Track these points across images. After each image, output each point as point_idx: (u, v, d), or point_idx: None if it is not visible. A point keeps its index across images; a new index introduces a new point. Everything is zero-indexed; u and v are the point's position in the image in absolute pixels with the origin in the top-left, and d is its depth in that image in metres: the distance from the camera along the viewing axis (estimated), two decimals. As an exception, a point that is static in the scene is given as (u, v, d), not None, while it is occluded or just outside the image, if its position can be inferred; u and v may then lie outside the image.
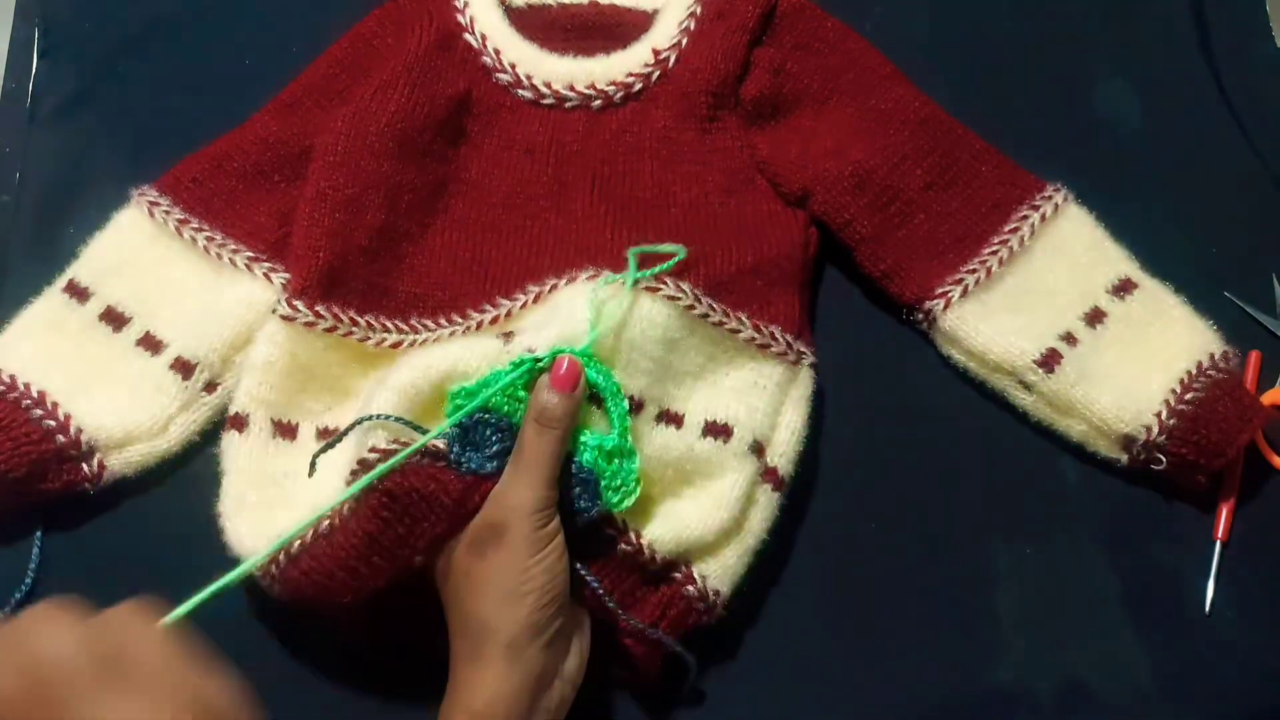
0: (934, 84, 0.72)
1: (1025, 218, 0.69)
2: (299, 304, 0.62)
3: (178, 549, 0.63)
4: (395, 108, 0.67)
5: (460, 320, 0.65)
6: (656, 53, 0.71)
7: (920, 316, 0.68)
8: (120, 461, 0.63)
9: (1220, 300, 0.70)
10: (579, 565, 0.56)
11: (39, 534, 0.63)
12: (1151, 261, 0.68)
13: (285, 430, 0.63)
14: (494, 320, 0.64)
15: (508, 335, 0.61)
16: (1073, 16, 0.79)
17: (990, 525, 0.65)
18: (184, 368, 0.64)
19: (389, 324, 0.65)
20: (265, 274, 0.66)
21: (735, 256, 0.65)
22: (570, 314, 0.59)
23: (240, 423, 0.62)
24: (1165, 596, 0.64)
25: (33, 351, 0.64)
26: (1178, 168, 0.74)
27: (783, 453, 0.63)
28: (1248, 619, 0.63)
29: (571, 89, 0.71)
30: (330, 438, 0.62)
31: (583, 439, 0.57)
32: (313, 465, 0.57)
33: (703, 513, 0.59)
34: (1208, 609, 0.63)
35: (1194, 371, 0.64)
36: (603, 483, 0.57)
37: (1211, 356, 0.65)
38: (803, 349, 0.64)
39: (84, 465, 0.62)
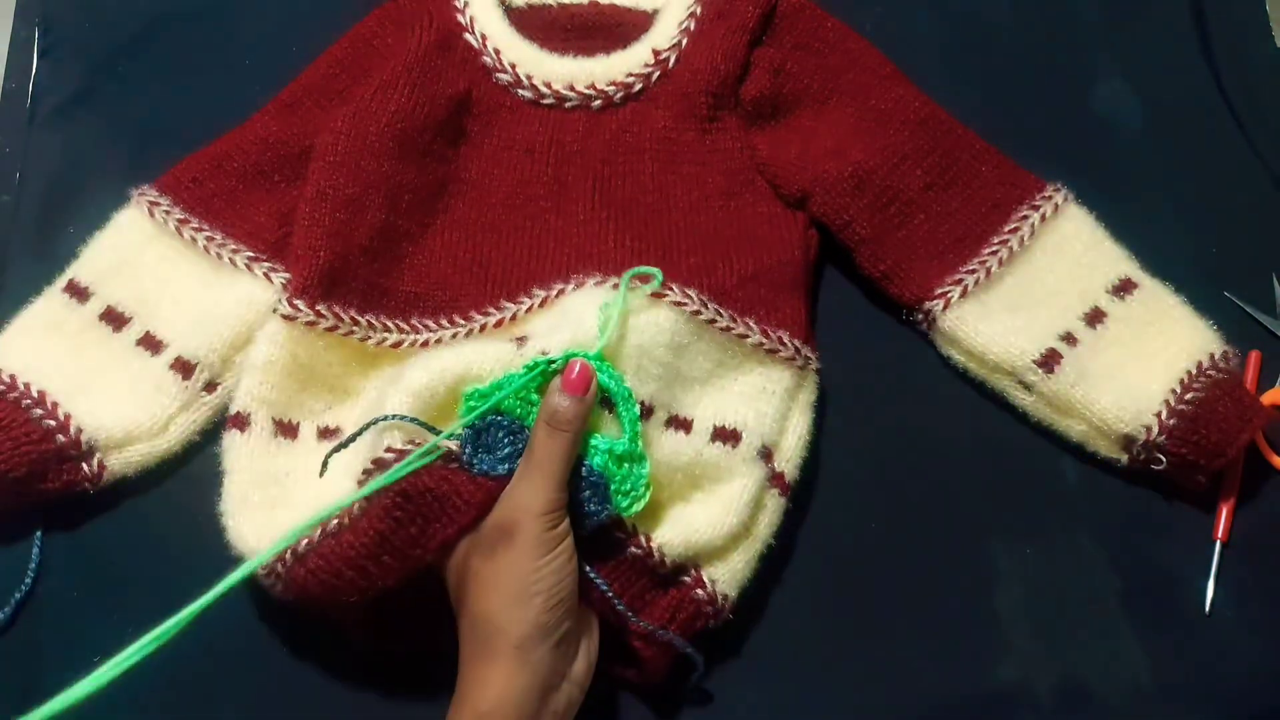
0: (934, 84, 0.72)
1: (1025, 218, 0.69)
2: (299, 303, 0.62)
3: (178, 549, 0.63)
4: (395, 108, 0.67)
5: (461, 321, 0.65)
6: (656, 53, 0.71)
7: (920, 317, 0.68)
8: (120, 461, 0.63)
9: (1220, 300, 0.70)
10: (588, 568, 0.56)
11: (39, 534, 0.63)
12: (1151, 261, 0.68)
13: (286, 429, 0.63)
14: (499, 323, 0.64)
15: (521, 339, 0.61)
16: (1073, 16, 0.79)
17: (990, 525, 0.65)
18: (184, 368, 0.64)
19: (389, 324, 0.65)
20: (265, 274, 0.66)
21: (737, 264, 0.65)
22: (581, 319, 0.59)
23: (241, 422, 0.62)
24: (1165, 596, 0.64)
25: (33, 351, 0.64)
26: (1178, 168, 0.74)
27: (789, 458, 0.63)
28: (1248, 619, 0.63)
29: (571, 89, 0.71)
30: (331, 437, 0.63)
31: (593, 443, 0.57)
32: (324, 465, 0.57)
33: (712, 517, 0.59)
34: (1208, 609, 0.63)
35: (1194, 371, 0.64)
36: (612, 487, 0.57)
37: (1211, 356, 0.65)
38: (809, 354, 0.65)
39: (84, 465, 0.62)
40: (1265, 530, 0.65)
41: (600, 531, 0.57)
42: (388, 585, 0.56)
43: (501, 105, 0.71)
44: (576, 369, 0.56)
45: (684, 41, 0.71)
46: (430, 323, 0.66)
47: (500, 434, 0.57)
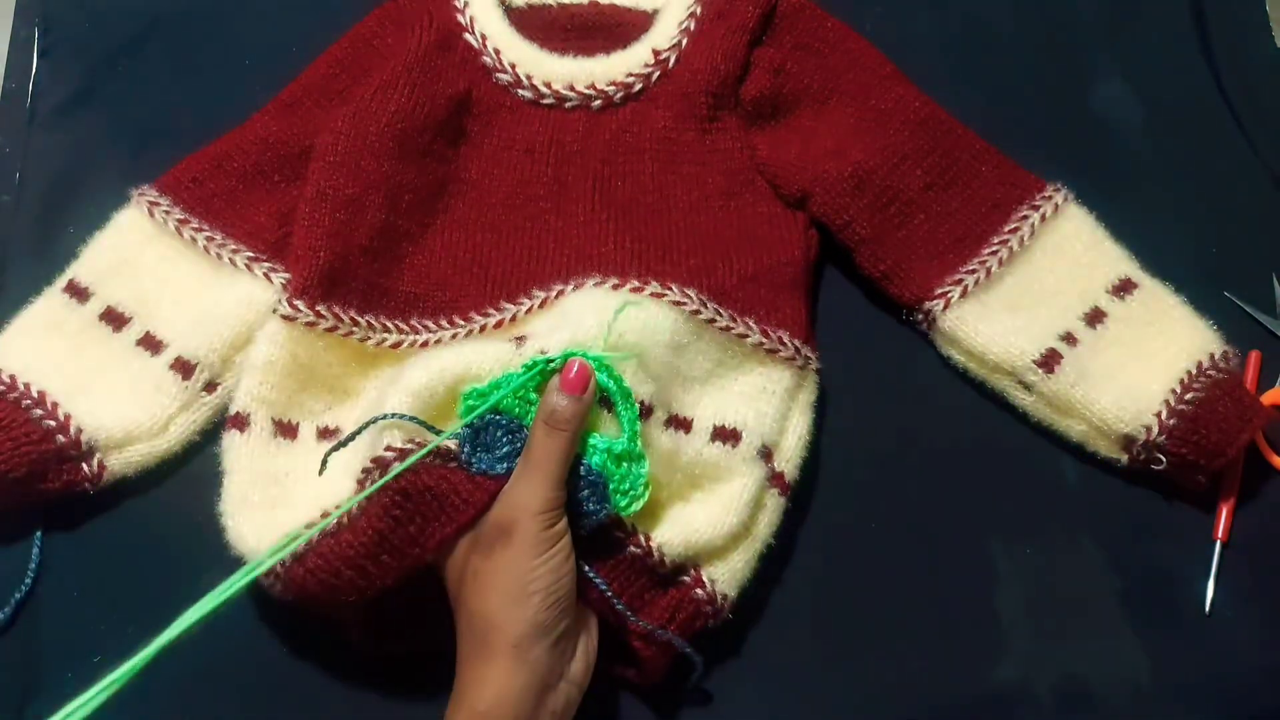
0: (934, 84, 0.72)
1: (1025, 218, 0.69)
2: (299, 304, 0.62)
3: (178, 549, 0.63)
4: (395, 108, 0.67)
5: (461, 322, 0.65)
6: (656, 53, 0.71)
7: (920, 317, 0.68)
8: (120, 461, 0.63)
9: (1220, 300, 0.70)
10: (587, 567, 0.56)
11: (39, 534, 0.63)
12: (1151, 261, 0.68)
13: (286, 430, 0.63)
14: (499, 324, 0.65)
15: (520, 339, 0.61)
16: (1072, 16, 0.79)
17: (990, 525, 0.65)
18: (184, 368, 0.64)
19: (389, 324, 0.65)
20: (265, 274, 0.66)
21: (737, 264, 0.65)
22: (580, 319, 0.59)
23: (241, 422, 0.62)
24: (1165, 596, 0.64)
25: (33, 351, 0.64)
26: (1178, 168, 0.74)
27: (789, 458, 0.63)
28: (1248, 619, 0.63)
29: (571, 89, 0.71)
30: (331, 437, 0.63)
31: (592, 442, 0.57)
32: (324, 463, 0.57)
33: (712, 517, 0.59)
34: (1208, 609, 0.63)
35: (1194, 371, 0.64)
36: (611, 486, 0.57)
37: (1211, 356, 0.65)
38: (809, 354, 0.65)
39: (84, 465, 0.62)
40: (1265, 530, 0.65)
41: (600, 531, 0.57)
42: (387, 585, 0.56)
43: (501, 105, 0.71)
44: (575, 368, 0.56)
45: (684, 41, 0.71)
46: (430, 323, 0.66)
47: (499, 433, 0.57)
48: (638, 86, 0.71)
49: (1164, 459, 0.63)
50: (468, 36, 0.72)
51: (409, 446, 0.56)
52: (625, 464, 0.57)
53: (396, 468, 0.55)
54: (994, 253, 0.68)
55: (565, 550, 0.54)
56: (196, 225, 0.67)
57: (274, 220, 0.67)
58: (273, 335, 0.62)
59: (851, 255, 0.69)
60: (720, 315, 0.63)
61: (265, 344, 0.62)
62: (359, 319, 0.64)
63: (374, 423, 0.57)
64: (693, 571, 0.59)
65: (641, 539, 0.58)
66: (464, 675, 0.53)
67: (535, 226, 0.68)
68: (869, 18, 0.76)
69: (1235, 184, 0.74)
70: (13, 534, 0.63)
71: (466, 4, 0.72)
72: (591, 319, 0.59)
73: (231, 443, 0.62)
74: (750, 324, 0.63)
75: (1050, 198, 0.69)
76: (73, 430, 0.61)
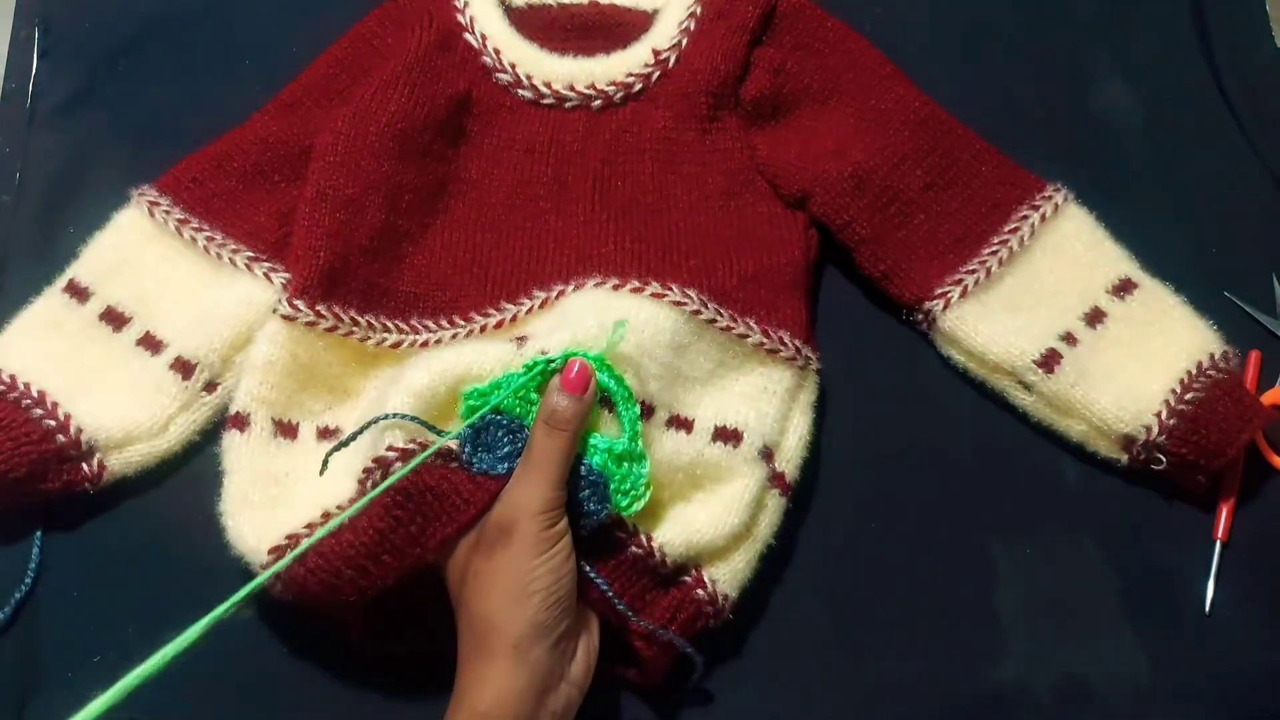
0: (934, 84, 0.72)
1: (1025, 218, 0.69)
2: (299, 304, 0.62)
3: (178, 549, 0.63)
4: (395, 108, 0.67)
5: (462, 322, 0.65)
6: (656, 53, 0.71)
7: (920, 317, 0.68)
8: (120, 461, 0.63)
9: (1220, 300, 0.70)
10: (588, 568, 0.56)
11: (39, 534, 0.63)
12: (1151, 261, 0.68)
13: (286, 429, 0.63)
14: (499, 324, 0.65)
15: (521, 339, 0.61)
16: (1072, 16, 0.79)
17: (990, 525, 0.65)
18: (184, 367, 0.64)
19: (389, 324, 0.65)
20: (265, 274, 0.66)
21: (737, 265, 0.65)
22: (581, 319, 0.59)
23: (241, 422, 0.62)
24: (1165, 596, 0.64)
25: (33, 351, 0.64)
26: (1178, 168, 0.74)
27: (790, 458, 0.63)
28: (1248, 619, 0.63)
29: (571, 89, 0.71)
30: (331, 437, 0.63)
31: (593, 442, 0.57)
32: (325, 463, 0.57)
33: (713, 517, 0.59)
34: (1208, 609, 0.63)
35: (1194, 371, 0.64)
36: (612, 486, 0.57)
37: (1211, 356, 0.65)
38: (810, 354, 0.65)
39: (84, 465, 0.62)
40: (1265, 530, 0.65)
41: (601, 531, 0.57)
42: (387, 584, 0.56)
43: (501, 105, 0.71)
44: (575, 369, 0.56)
45: (684, 41, 0.71)
46: (430, 323, 0.66)
47: (500, 433, 0.57)
48: (638, 86, 0.71)
49: (1164, 459, 0.63)
50: (468, 36, 0.72)
51: (411, 447, 0.56)
52: (626, 464, 0.57)
53: (400, 469, 0.55)
54: (994, 253, 0.68)
55: (566, 550, 0.54)
56: (196, 225, 0.67)
57: (274, 220, 0.67)
58: (273, 335, 0.62)
59: (851, 255, 0.69)
60: (721, 315, 0.63)
61: (265, 344, 0.62)
62: (359, 319, 0.64)
63: (375, 423, 0.57)
64: (694, 572, 0.59)
65: (643, 539, 0.58)
66: (464, 675, 0.53)
67: (535, 226, 0.68)
68: (869, 18, 0.76)
69: (1235, 184, 0.74)
70: (13, 534, 0.63)
71: (466, 4, 0.72)
72: (592, 319, 0.59)
73: (231, 443, 0.62)
74: (751, 324, 0.63)
75: (1050, 198, 0.69)
76: (73, 430, 0.61)
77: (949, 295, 0.66)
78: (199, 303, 0.66)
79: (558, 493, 0.54)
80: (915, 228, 0.68)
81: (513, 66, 0.71)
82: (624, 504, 0.57)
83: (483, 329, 0.65)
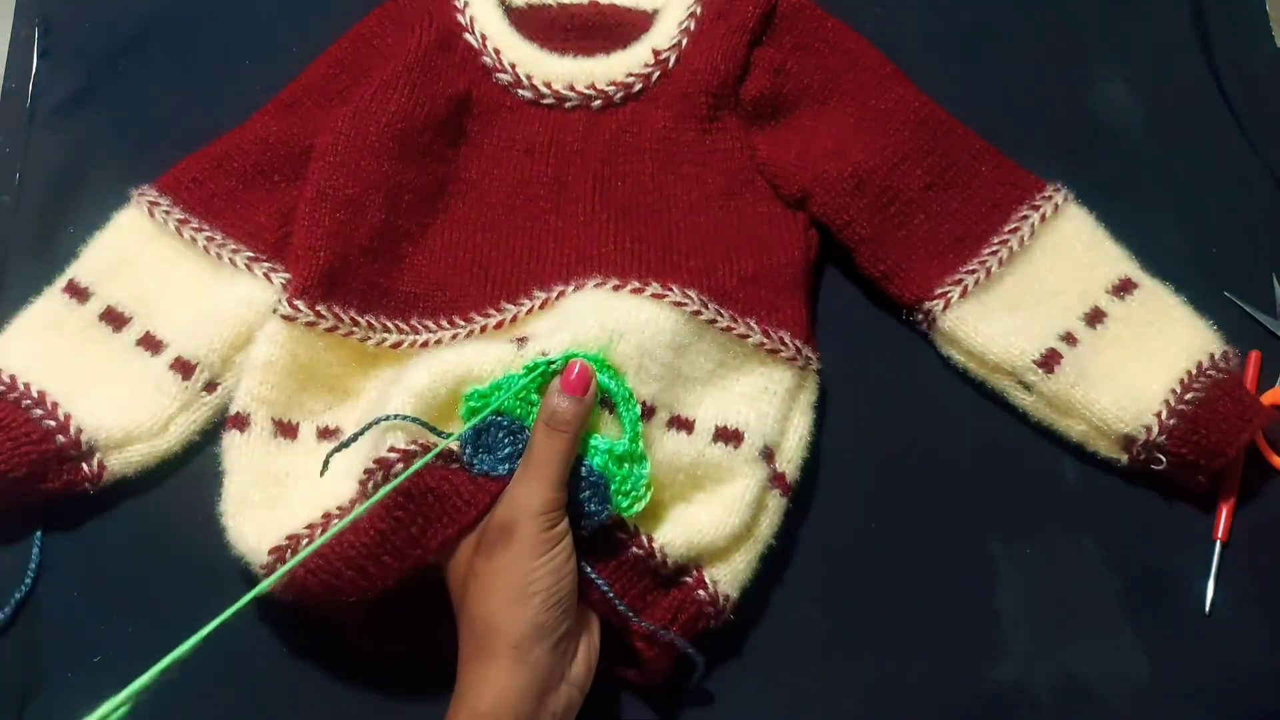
0: (934, 84, 0.72)
1: (1025, 218, 0.69)
2: (300, 304, 0.62)
3: (178, 549, 0.63)
4: (395, 108, 0.67)
5: (462, 322, 0.65)
6: (656, 53, 0.71)
7: (920, 317, 0.68)
8: (120, 461, 0.63)
9: (1220, 300, 0.70)
10: (589, 569, 0.56)
11: (39, 534, 0.63)
12: (1151, 261, 0.68)
13: (286, 430, 0.63)
14: (499, 325, 0.65)
15: (521, 340, 0.61)
16: (1073, 16, 0.79)
17: (990, 525, 0.65)
18: (184, 368, 0.64)
19: (389, 324, 0.65)
20: (265, 274, 0.66)
21: (737, 265, 0.65)
22: (581, 320, 0.59)
23: (241, 422, 0.62)
24: (1165, 596, 0.64)
25: (33, 351, 0.64)
26: (1178, 168, 0.74)
27: (791, 459, 0.63)
28: (1248, 619, 0.63)
29: (571, 89, 0.71)
30: (331, 437, 0.63)
31: (594, 443, 0.57)
32: (326, 464, 0.57)
33: (714, 518, 0.59)
34: (1208, 609, 0.63)
35: (1194, 371, 0.64)
36: (613, 487, 0.57)
37: (1211, 356, 0.65)
38: (810, 354, 0.65)
39: (84, 465, 0.62)
40: (1265, 530, 0.65)
41: (602, 532, 0.57)
42: (387, 585, 0.56)
43: (501, 105, 0.71)
44: (576, 370, 0.56)
45: (684, 41, 0.71)
46: (430, 323, 0.66)
47: (500, 434, 0.57)
48: (638, 86, 0.71)
49: (1164, 459, 0.63)
50: (468, 36, 0.72)
51: (412, 448, 0.56)
52: (627, 465, 0.57)
53: (402, 470, 0.55)
54: (994, 253, 0.68)
55: (566, 551, 0.54)
56: (196, 225, 0.67)
57: (274, 220, 0.67)
58: (273, 335, 0.62)
59: (851, 255, 0.69)
60: (721, 316, 0.63)
61: (265, 344, 0.62)
62: (359, 319, 0.64)
63: (376, 424, 0.57)
64: (695, 572, 0.59)
65: (644, 540, 0.58)
66: (465, 676, 0.53)
67: (535, 226, 0.68)
68: (869, 18, 0.76)
69: (1235, 184, 0.74)
70: (13, 534, 0.63)
71: (466, 4, 0.72)
72: (592, 319, 0.59)
73: (231, 443, 0.62)
74: (751, 324, 0.63)
75: (1050, 198, 0.69)
76: (73, 430, 0.61)
77: (949, 295, 0.66)
78: (199, 303, 0.66)
79: (558, 494, 0.54)
80: (915, 228, 0.68)
81: (513, 66, 0.71)
82: (625, 505, 0.57)
83: (483, 329, 0.65)
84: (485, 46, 0.72)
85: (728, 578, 0.60)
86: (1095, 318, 0.66)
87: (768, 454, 0.62)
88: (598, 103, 0.71)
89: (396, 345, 0.65)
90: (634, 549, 0.58)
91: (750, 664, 0.62)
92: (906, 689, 0.62)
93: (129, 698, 0.44)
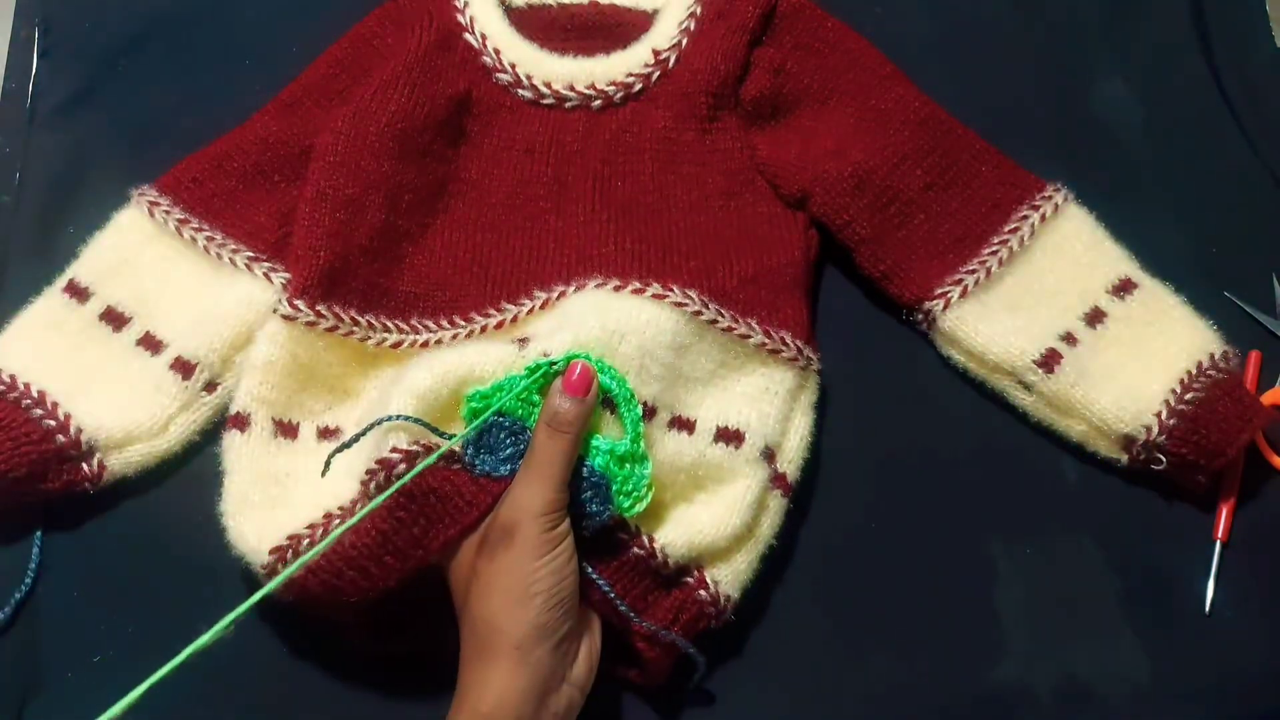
0: (934, 84, 0.72)
1: (1025, 218, 0.69)
2: (300, 304, 0.62)
3: (178, 549, 0.63)
4: (395, 108, 0.67)
5: (462, 322, 0.65)
6: (656, 53, 0.71)
7: (920, 317, 0.68)
8: (120, 461, 0.63)
9: (1220, 300, 0.70)
10: (590, 569, 0.56)
11: (39, 534, 0.63)
12: (1151, 261, 0.68)
13: (286, 429, 0.63)
14: (500, 325, 0.65)
15: (522, 340, 0.61)
16: (1073, 16, 0.79)
17: (990, 525, 0.65)
18: (184, 367, 0.64)
19: (389, 324, 0.65)
20: (265, 274, 0.66)
21: (737, 265, 0.65)
22: (582, 320, 0.59)
23: (242, 422, 0.62)
24: (1165, 596, 0.64)
25: (33, 351, 0.64)
26: (1178, 168, 0.74)
27: (792, 459, 0.63)
28: (1248, 619, 0.63)
29: (571, 89, 0.71)
30: (331, 437, 0.63)
31: (595, 443, 0.57)
32: (327, 464, 0.57)
33: (715, 518, 0.59)
34: (1208, 609, 0.63)
35: (1194, 371, 0.64)
36: (614, 487, 0.57)
37: (1211, 356, 0.65)
38: (811, 355, 0.65)
39: (84, 465, 0.62)
40: (1265, 530, 0.65)
41: (603, 532, 0.57)
42: (388, 586, 0.56)
43: (501, 105, 0.71)
44: (578, 371, 0.56)
45: (684, 41, 0.71)
46: (430, 323, 0.66)
47: (502, 435, 0.57)
48: (638, 86, 0.71)
49: (1164, 459, 0.63)
50: (468, 36, 0.72)
51: (414, 449, 0.56)
52: (628, 465, 0.57)
53: (403, 470, 0.55)
54: (994, 253, 0.68)
55: (568, 552, 0.54)
56: (196, 225, 0.67)
57: (274, 220, 0.67)
58: (273, 335, 0.62)
59: (851, 255, 0.69)
60: (722, 316, 0.63)
61: (265, 344, 0.62)
62: (359, 319, 0.64)
63: (378, 424, 0.57)
64: (696, 573, 0.59)
65: (645, 540, 0.58)
66: (466, 677, 0.53)
67: (535, 226, 0.68)
68: (869, 18, 0.76)
69: (1235, 184, 0.74)
70: (13, 534, 0.63)
71: (466, 4, 0.72)
72: (593, 320, 0.59)
73: (232, 443, 0.62)
74: (752, 325, 0.63)
75: (1050, 198, 0.69)
76: (73, 430, 0.61)
77: (949, 295, 0.66)
78: (199, 303, 0.66)
79: (560, 494, 0.54)
80: (915, 228, 0.68)
81: (513, 66, 0.71)
82: (626, 505, 0.57)
83: (483, 329, 0.65)
84: (485, 46, 0.72)
85: (729, 578, 0.60)
86: (1095, 318, 0.67)
87: (769, 454, 0.62)
88: (598, 103, 0.71)
89: (396, 345, 0.65)
90: (635, 549, 0.58)
91: (750, 664, 0.62)
92: (906, 689, 0.62)
93: (131, 703, 0.44)
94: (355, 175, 0.65)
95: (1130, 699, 0.62)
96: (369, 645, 0.60)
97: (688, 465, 0.60)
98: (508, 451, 0.56)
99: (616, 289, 0.62)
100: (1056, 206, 0.69)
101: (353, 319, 0.64)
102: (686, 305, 0.61)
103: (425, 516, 0.55)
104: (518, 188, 0.69)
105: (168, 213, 0.67)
